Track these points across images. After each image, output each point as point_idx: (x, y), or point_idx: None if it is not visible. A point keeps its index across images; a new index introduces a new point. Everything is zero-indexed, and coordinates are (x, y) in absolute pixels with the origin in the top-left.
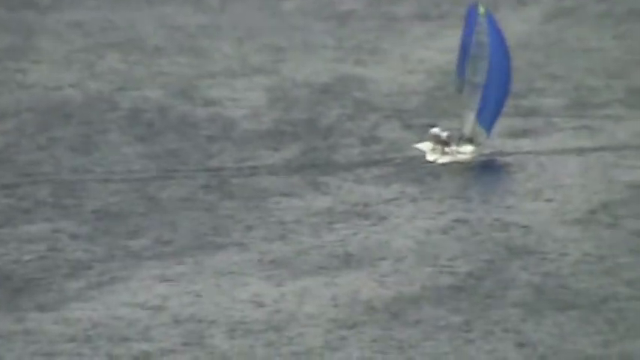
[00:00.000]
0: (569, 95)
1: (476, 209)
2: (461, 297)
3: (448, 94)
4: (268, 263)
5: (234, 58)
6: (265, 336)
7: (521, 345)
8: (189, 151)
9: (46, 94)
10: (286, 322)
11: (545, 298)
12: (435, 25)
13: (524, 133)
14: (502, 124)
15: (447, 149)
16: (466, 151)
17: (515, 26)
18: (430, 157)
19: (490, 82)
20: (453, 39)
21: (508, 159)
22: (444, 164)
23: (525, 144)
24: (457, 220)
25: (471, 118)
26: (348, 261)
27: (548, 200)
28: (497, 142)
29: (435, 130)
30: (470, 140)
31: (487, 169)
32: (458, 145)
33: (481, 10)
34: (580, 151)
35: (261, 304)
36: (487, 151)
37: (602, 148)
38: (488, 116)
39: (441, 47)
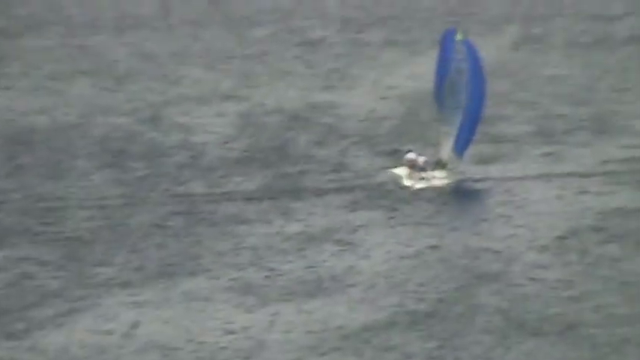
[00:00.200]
0: (537, 122)
1: (445, 235)
2: (431, 323)
3: (418, 120)
4: (238, 289)
5: (204, 85)
6: None
7: None
8: (158, 178)
9: (14, 120)
10: (256, 349)
11: (514, 324)
12: (405, 51)
13: (493, 160)
14: (472, 150)
15: (422, 175)
16: (440, 176)
17: (484, 53)
18: (407, 183)
19: (467, 108)
20: (422, 65)
21: (478, 185)
22: (419, 190)
23: (494, 170)
24: (427, 246)
25: (448, 143)
26: (318, 287)
27: (518, 226)
28: (467, 168)
29: (411, 156)
30: (445, 166)
31: (457, 195)
32: (432, 170)
33: (459, 36)
34: (548, 178)
35: (231, 331)
36: (458, 177)
37: (570, 175)
38: (463, 142)
39: (411, 73)
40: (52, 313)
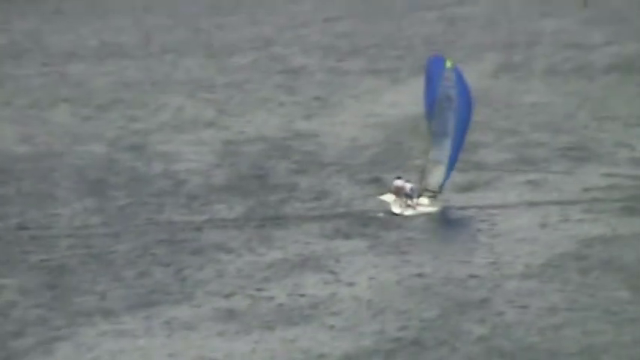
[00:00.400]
0: (518, 150)
1: (427, 263)
2: (414, 350)
3: (400, 147)
4: (220, 318)
5: (185, 113)
6: None
7: None
8: (138, 206)
9: None
10: None
11: (496, 352)
12: (386, 79)
13: (475, 187)
14: (453, 177)
15: (409, 202)
16: (425, 203)
17: None
18: (396, 210)
19: (456, 135)
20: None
21: (460, 213)
22: (407, 217)
23: (475, 198)
24: (409, 274)
25: (437, 170)
26: (300, 315)
27: (500, 254)
28: (449, 196)
29: (399, 183)
30: (435, 194)
31: (439, 222)
32: (418, 197)
33: (448, 63)
34: (529, 206)
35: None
36: (442, 204)
37: (551, 203)
38: (449, 169)
39: (392, 101)
40: (33, 342)
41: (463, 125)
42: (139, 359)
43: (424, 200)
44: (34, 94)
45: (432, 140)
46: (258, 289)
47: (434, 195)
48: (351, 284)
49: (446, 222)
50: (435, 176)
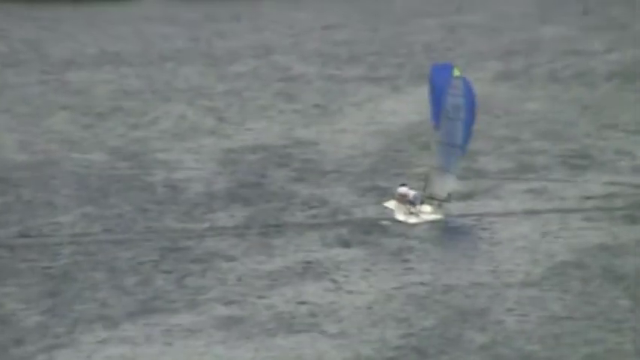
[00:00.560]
0: (518, 158)
1: (427, 271)
2: (414, 358)
3: (400, 155)
4: (220, 326)
5: (184, 121)
6: None
7: None
8: (139, 214)
9: None
10: None
11: None
12: (386, 86)
13: (474, 195)
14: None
15: (412, 209)
16: (429, 211)
17: None
18: (400, 217)
19: (464, 144)
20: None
21: (459, 221)
22: (412, 225)
23: (475, 206)
24: (409, 282)
25: (444, 179)
26: (301, 323)
27: (500, 262)
28: (448, 204)
29: (403, 190)
30: (439, 201)
31: (440, 230)
32: (421, 205)
33: (456, 72)
34: (529, 214)
35: None
36: (444, 212)
37: (551, 211)
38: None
39: (392, 109)
40: (34, 349)
41: (469, 134)
42: None
43: (427, 208)
44: (33, 102)
45: (437, 149)
46: (259, 297)
47: (439, 203)
48: (351, 292)
49: (446, 230)
50: (444, 186)
